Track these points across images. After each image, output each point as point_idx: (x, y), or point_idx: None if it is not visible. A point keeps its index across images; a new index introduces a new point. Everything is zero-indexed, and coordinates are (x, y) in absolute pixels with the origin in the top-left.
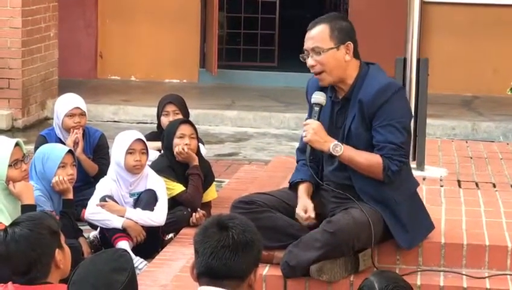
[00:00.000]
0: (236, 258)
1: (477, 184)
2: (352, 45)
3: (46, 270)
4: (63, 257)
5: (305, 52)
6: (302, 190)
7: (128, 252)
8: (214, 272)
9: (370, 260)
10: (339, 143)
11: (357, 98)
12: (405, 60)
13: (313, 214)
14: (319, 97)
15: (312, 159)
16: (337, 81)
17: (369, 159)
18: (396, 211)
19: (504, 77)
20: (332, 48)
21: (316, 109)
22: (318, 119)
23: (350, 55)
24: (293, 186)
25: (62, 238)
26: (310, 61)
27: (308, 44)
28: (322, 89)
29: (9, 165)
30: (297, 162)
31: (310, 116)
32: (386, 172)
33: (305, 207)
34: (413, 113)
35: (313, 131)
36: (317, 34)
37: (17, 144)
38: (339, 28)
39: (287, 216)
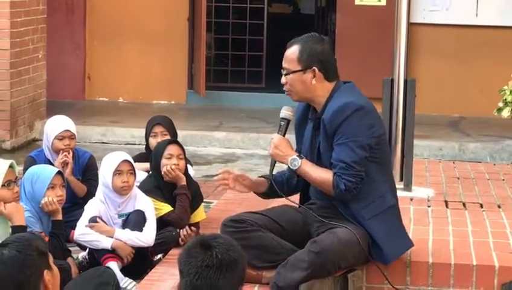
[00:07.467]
0: (220, 277)
1: (464, 204)
2: (317, 70)
3: None
4: (51, 277)
5: (283, 69)
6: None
7: (111, 268)
8: None
9: (359, 281)
10: (297, 157)
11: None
12: (392, 80)
13: (228, 176)
14: (286, 112)
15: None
16: (306, 101)
17: (321, 176)
18: (366, 226)
19: (491, 98)
20: (298, 71)
21: (282, 123)
22: (284, 134)
23: (317, 79)
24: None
25: (50, 258)
26: (282, 79)
27: (283, 63)
28: (306, 109)
29: (2, 185)
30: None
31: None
32: (335, 190)
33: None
34: (400, 134)
35: (273, 145)
36: (289, 55)
37: (10, 166)
38: (309, 52)
39: (277, 236)
